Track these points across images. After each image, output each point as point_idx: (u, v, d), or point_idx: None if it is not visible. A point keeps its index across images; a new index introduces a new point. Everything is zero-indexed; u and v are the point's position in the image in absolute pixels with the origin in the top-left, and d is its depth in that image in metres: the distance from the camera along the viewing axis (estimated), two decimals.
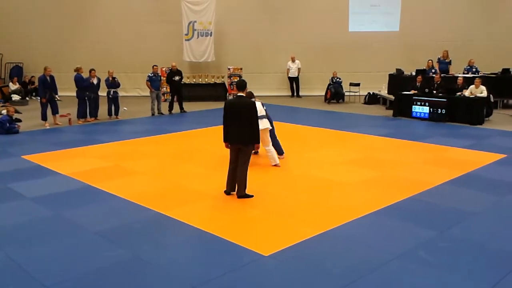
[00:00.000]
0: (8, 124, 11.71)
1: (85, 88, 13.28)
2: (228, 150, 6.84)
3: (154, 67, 14.80)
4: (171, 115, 14.91)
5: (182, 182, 7.62)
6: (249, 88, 20.30)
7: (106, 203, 6.68)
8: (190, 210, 6.38)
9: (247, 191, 6.77)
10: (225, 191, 6.91)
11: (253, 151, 8.02)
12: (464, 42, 18.14)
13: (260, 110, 8.59)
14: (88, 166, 8.64)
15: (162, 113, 14.90)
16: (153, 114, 14.72)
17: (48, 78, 12.66)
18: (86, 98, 13.41)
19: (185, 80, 16.88)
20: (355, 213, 6.12)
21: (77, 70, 13.39)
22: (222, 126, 6.79)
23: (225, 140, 6.75)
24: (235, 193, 6.82)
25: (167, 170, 8.39)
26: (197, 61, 18.94)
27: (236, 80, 17.98)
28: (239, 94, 6.72)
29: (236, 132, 6.58)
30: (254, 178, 7.89)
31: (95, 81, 13.45)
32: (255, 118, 6.59)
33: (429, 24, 18.53)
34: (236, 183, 6.78)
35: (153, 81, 14.57)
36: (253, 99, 8.67)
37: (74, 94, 13.66)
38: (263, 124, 8.19)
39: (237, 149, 6.70)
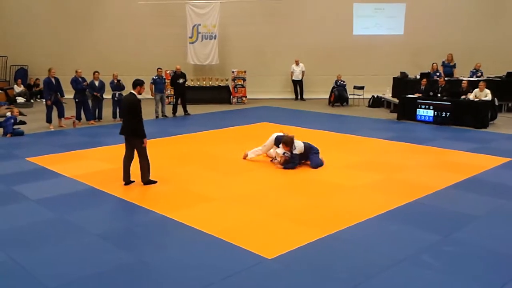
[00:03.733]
0: (12, 124, 11.76)
1: (79, 91, 13.34)
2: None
3: (159, 69, 14.83)
4: (175, 118, 14.93)
5: (185, 184, 7.61)
6: (252, 91, 20.17)
7: (110, 206, 6.69)
8: (193, 212, 6.38)
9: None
10: (124, 183, 7.52)
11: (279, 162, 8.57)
12: (468, 45, 18.08)
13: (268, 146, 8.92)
14: (92, 169, 8.66)
15: (166, 116, 14.91)
16: (157, 117, 14.74)
17: (53, 80, 12.67)
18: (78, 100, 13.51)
19: (189, 83, 16.92)
20: (359, 216, 6.10)
21: (76, 72, 13.47)
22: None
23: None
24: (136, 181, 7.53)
25: (171, 172, 8.38)
26: (201, 64, 19.00)
27: (240, 83, 18.22)
28: (131, 91, 7.40)
29: (124, 125, 7.42)
30: (257, 181, 7.89)
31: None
32: (135, 113, 7.22)
33: (434, 27, 18.50)
34: (140, 172, 7.45)
35: (157, 84, 14.61)
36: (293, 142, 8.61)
37: None
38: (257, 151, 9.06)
39: (127, 140, 7.45)
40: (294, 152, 8.45)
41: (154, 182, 7.53)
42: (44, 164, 8.92)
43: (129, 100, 7.33)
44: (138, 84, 7.42)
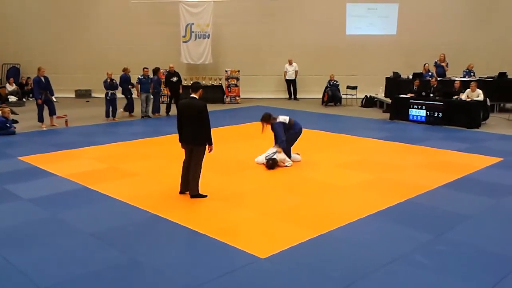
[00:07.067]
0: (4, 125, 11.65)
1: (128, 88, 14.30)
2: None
3: (145, 69, 14.69)
4: (169, 117, 14.88)
5: (178, 184, 7.58)
6: (246, 90, 20.15)
7: (102, 205, 6.67)
8: (186, 212, 6.38)
9: (201, 191, 6.92)
10: (179, 192, 7.06)
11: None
12: (461, 45, 18.20)
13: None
14: (85, 168, 8.62)
15: (155, 114, 14.84)
16: (142, 117, 14.62)
17: (42, 78, 12.59)
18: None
19: (182, 82, 16.84)
20: (352, 216, 6.12)
21: (124, 70, 14.30)
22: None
23: (180, 140, 7.02)
24: (188, 193, 6.99)
25: (163, 172, 8.36)
26: (194, 63, 18.97)
27: (233, 82, 18.19)
28: (191, 95, 6.94)
29: (189, 133, 6.83)
30: (250, 181, 7.90)
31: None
32: (206, 119, 6.79)
33: (426, 27, 18.59)
34: (190, 183, 6.93)
35: (143, 84, 14.52)
36: (275, 120, 8.64)
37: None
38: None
39: (190, 149, 6.91)
40: (278, 121, 8.60)
41: (204, 196, 6.89)
42: (36, 163, 8.87)
43: (197, 106, 6.77)
44: (199, 87, 7.01)
